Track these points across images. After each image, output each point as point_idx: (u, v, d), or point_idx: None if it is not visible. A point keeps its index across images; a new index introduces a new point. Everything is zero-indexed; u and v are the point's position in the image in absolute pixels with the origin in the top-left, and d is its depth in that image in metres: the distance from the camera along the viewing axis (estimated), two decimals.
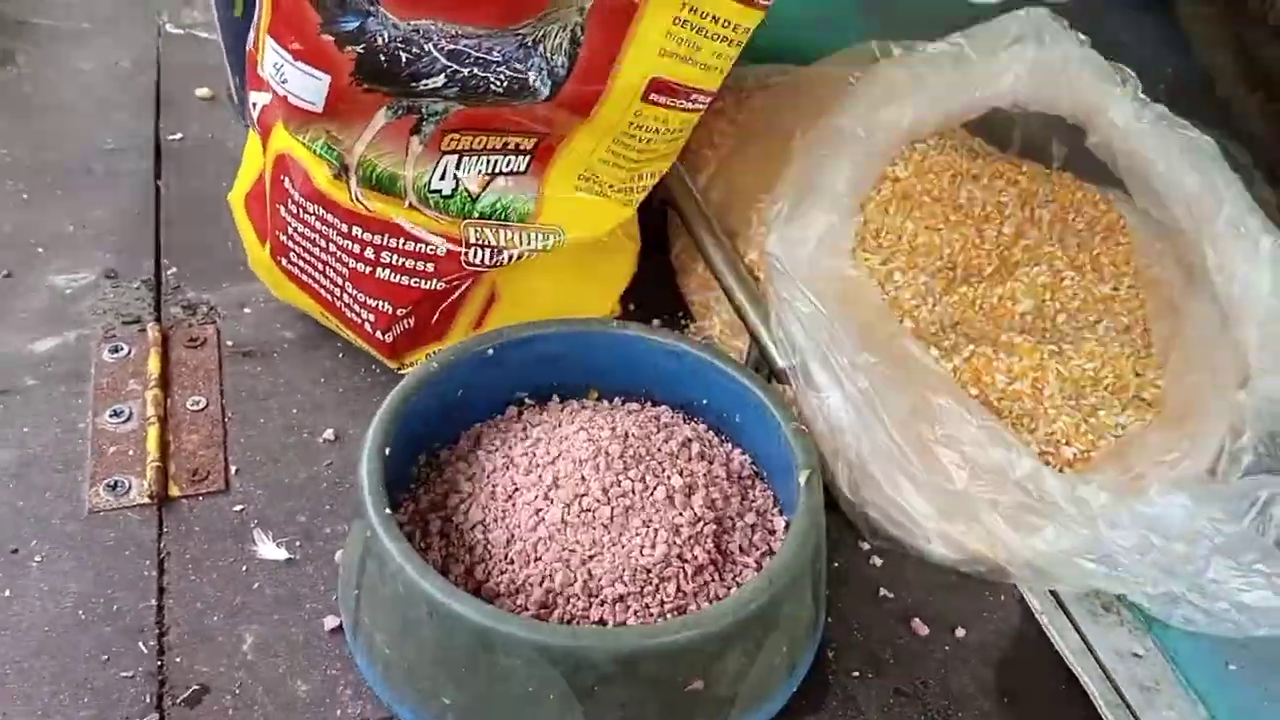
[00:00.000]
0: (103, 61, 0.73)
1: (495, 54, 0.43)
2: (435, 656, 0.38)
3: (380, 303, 0.50)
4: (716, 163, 0.62)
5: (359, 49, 0.43)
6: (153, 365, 0.53)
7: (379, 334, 0.51)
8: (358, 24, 0.43)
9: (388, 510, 0.39)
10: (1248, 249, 0.54)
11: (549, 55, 0.43)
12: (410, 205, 0.47)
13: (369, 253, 0.49)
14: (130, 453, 0.49)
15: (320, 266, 0.50)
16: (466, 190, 0.47)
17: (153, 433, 0.50)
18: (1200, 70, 0.83)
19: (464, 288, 0.51)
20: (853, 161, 0.54)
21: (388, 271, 0.49)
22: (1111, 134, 0.58)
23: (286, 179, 0.48)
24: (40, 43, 0.74)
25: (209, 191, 0.63)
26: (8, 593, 0.44)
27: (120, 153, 0.66)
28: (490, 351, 0.47)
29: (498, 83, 0.43)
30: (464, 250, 0.48)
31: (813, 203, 0.52)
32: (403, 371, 0.52)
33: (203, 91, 0.71)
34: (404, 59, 0.43)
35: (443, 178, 0.47)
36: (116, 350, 0.54)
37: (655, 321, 0.59)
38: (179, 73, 0.73)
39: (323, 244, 0.49)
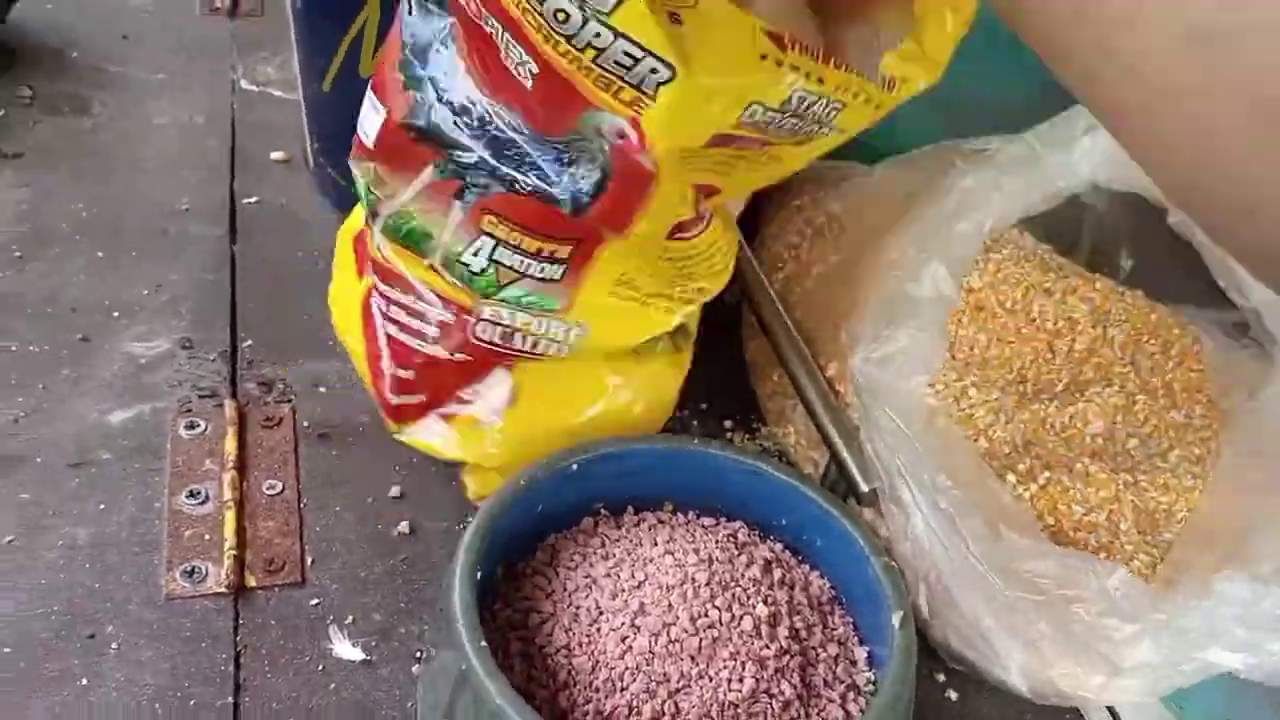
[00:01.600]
0: (177, 117, 0.74)
1: (531, 158, 0.43)
2: None
3: (390, 363, 0.50)
4: (794, 264, 0.62)
5: (417, 95, 0.44)
6: (229, 446, 0.53)
7: (389, 394, 0.50)
8: (428, 74, 0.43)
9: (484, 644, 0.39)
10: None
11: (579, 179, 0.43)
12: (431, 266, 0.47)
13: (382, 304, 0.49)
14: (207, 537, 0.49)
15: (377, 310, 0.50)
16: (496, 275, 0.46)
17: (230, 518, 0.50)
18: None
19: (477, 377, 0.50)
20: (933, 278, 0.54)
21: (394, 327, 0.49)
22: None
23: None
24: (116, 92, 0.75)
25: (283, 259, 0.64)
26: (84, 681, 0.44)
27: (194, 215, 0.66)
28: (575, 466, 0.47)
29: (524, 184, 0.43)
30: (473, 322, 0.47)
31: (897, 320, 0.52)
32: (399, 438, 0.52)
33: (277, 154, 0.71)
34: (451, 122, 0.43)
35: (476, 254, 0.46)
36: (192, 427, 0.54)
37: (726, 423, 0.59)
38: (254, 131, 0.73)
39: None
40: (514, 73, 0.40)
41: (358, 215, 0.53)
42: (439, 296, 0.48)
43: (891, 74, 0.40)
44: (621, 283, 0.47)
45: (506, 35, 0.39)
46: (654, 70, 0.38)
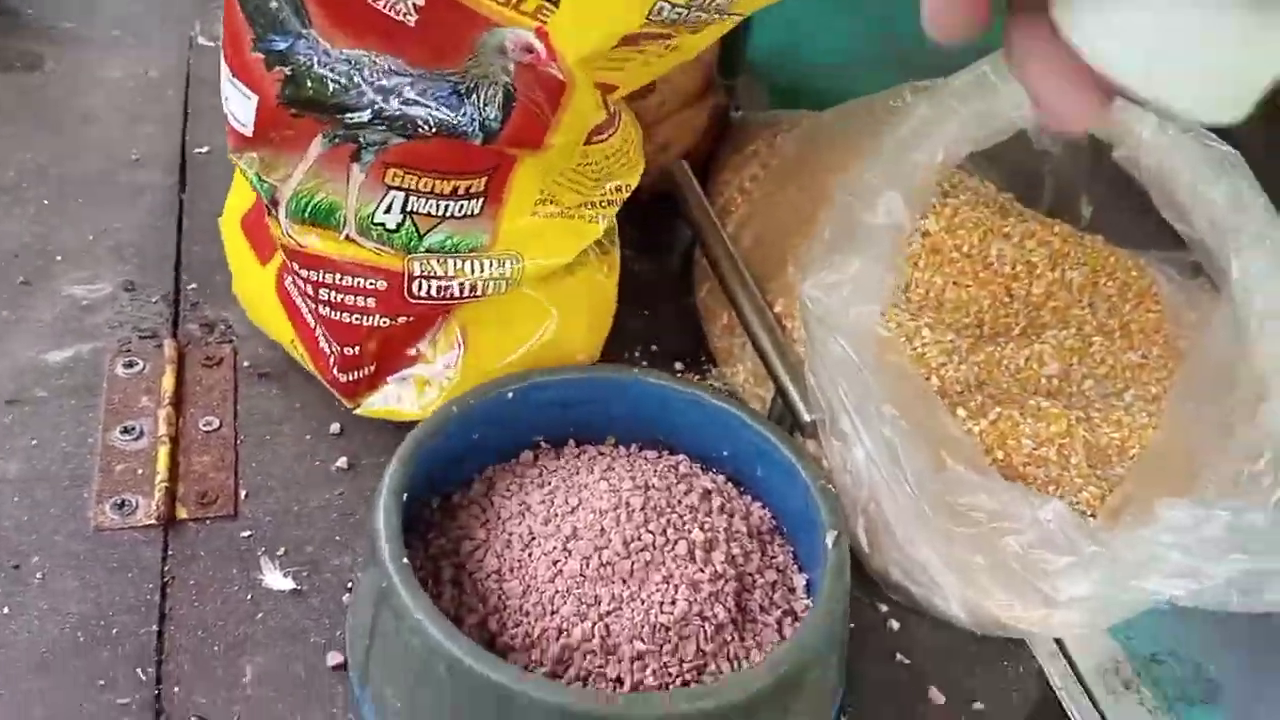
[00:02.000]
0: (131, 71, 0.73)
1: (427, 96, 0.41)
2: (452, 714, 0.37)
3: (331, 343, 0.49)
4: (747, 206, 0.61)
5: (287, 70, 0.42)
6: (167, 383, 0.52)
7: (337, 373, 0.49)
8: (287, 45, 0.41)
9: (405, 561, 0.38)
10: (1272, 259, 0.53)
11: (481, 106, 0.41)
12: (348, 237, 0.46)
13: (309, 289, 0.47)
14: (139, 471, 0.49)
15: (298, 294, 0.49)
16: (414, 226, 0.45)
17: (163, 453, 0.49)
18: None
19: (423, 333, 0.49)
20: (888, 207, 0.53)
21: (328, 309, 0.47)
22: (1137, 147, 0.57)
23: None
24: (69, 49, 0.74)
25: None
26: (6, 610, 0.43)
27: (145, 164, 0.66)
28: (510, 395, 0.46)
29: (425, 126, 0.42)
30: (408, 283, 0.46)
31: (851, 248, 0.51)
32: (359, 413, 0.51)
33: None
34: (331, 87, 0.41)
35: (388, 211, 0.45)
36: (131, 365, 0.53)
37: (677, 366, 0.59)
38: (209, 86, 0.71)
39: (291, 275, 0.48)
40: (390, 14, 0.39)
41: (236, 199, 0.52)
42: (365, 267, 0.46)
43: None
44: (542, 201, 0.46)
45: None
46: None
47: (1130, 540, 0.43)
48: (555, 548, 0.42)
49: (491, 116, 0.42)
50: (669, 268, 0.65)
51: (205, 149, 0.67)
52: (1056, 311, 0.60)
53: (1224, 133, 0.58)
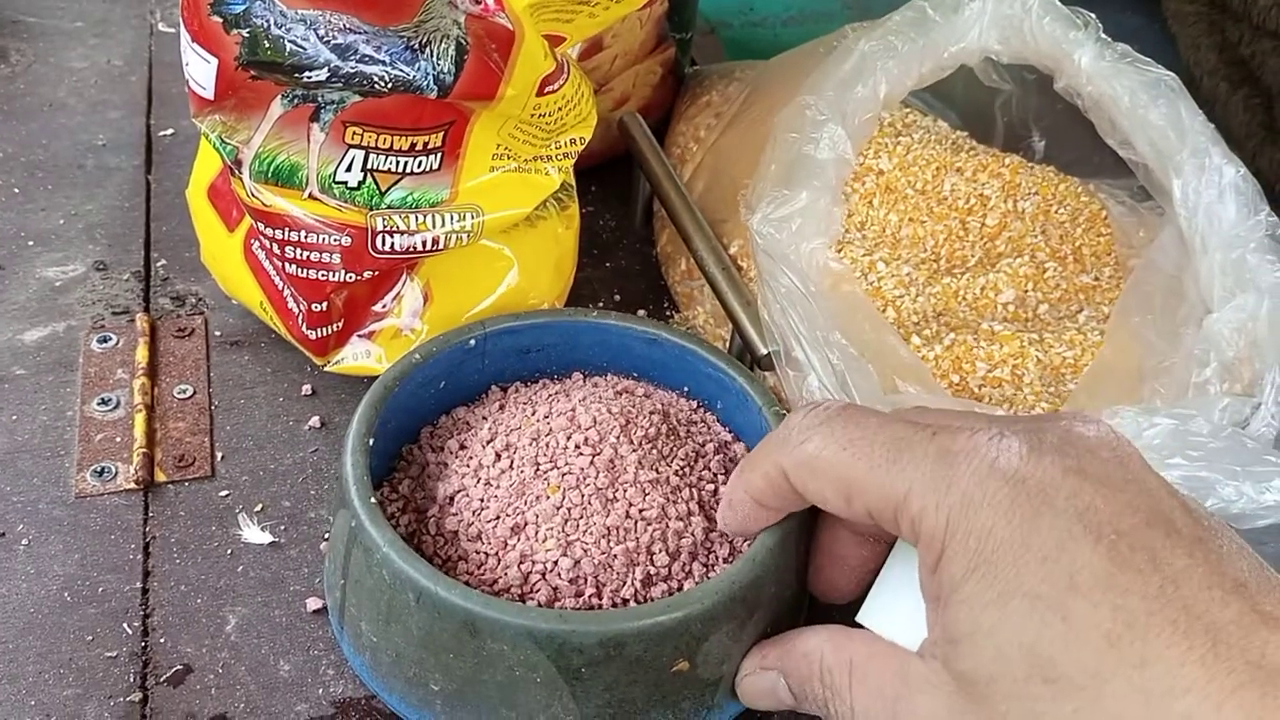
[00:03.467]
0: (95, 60, 0.74)
1: (382, 52, 0.43)
2: (422, 642, 0.38)
3: (298, 300, 0.50)
4: (701, 152, 0.63)
5: (244, 32, 0.43)
6: (140, 355, 0.53)
7: (306, 329, 0.51)
8: (245, 7, 0.42)
9: (372, 500, 0.40)
10: (1212, 178, 0.54)
11: (435, 60, 0.43)
12: (310, 196, 0.47)
13: (275, 248, 0.49)
14: (118, 440, 0.50)
15: (265, 255, 0.50)
16: (375, 183, 0.47)
17: (140, 420, 0.50)
18: (1185, 68, 0.83)
19: (387, 288, 0.50)
20: (831, 140, 0.54)
21: (294, 267, 0.49)
22: (1077, 76, 0.58)
23: None
24: (32, 41, 0.75)
25: None
26: None
27: (112, 149, 0.67)
28: (473, 342, 0.47)
29: (382, 81, 0.43)
30: (371, 239, 0.48)
31: (796, 182, 0.52)
32: (330, 369, 0.52)
33: None
34: (288, 47, 0.43)
35: (349, 169, 0.46)
36: (105, 340, 0.54)
37: (640, 313, 0.60)
38: (171, 70, 0.73)
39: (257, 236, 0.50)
40: None
41: (202, 171, 0.53)
42: (328, 224, 0.47)
43: None
44: (499, 155, 0.47)
45: None
46: None
47: None
48: (521, 476, 0.43)
49: (445, 70, 0.43)
50: (631, 221, 0.66)
51: (170, 131, 0.68)
52: (1011, 241, 0.61)
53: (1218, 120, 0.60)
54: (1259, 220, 0.51)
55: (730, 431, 0.48)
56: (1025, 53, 0.59)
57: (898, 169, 0.61)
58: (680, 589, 0.42)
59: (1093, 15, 0.58)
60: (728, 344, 0.54)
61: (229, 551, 0.46)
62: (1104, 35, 0.57)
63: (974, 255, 0.61)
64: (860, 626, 0.38)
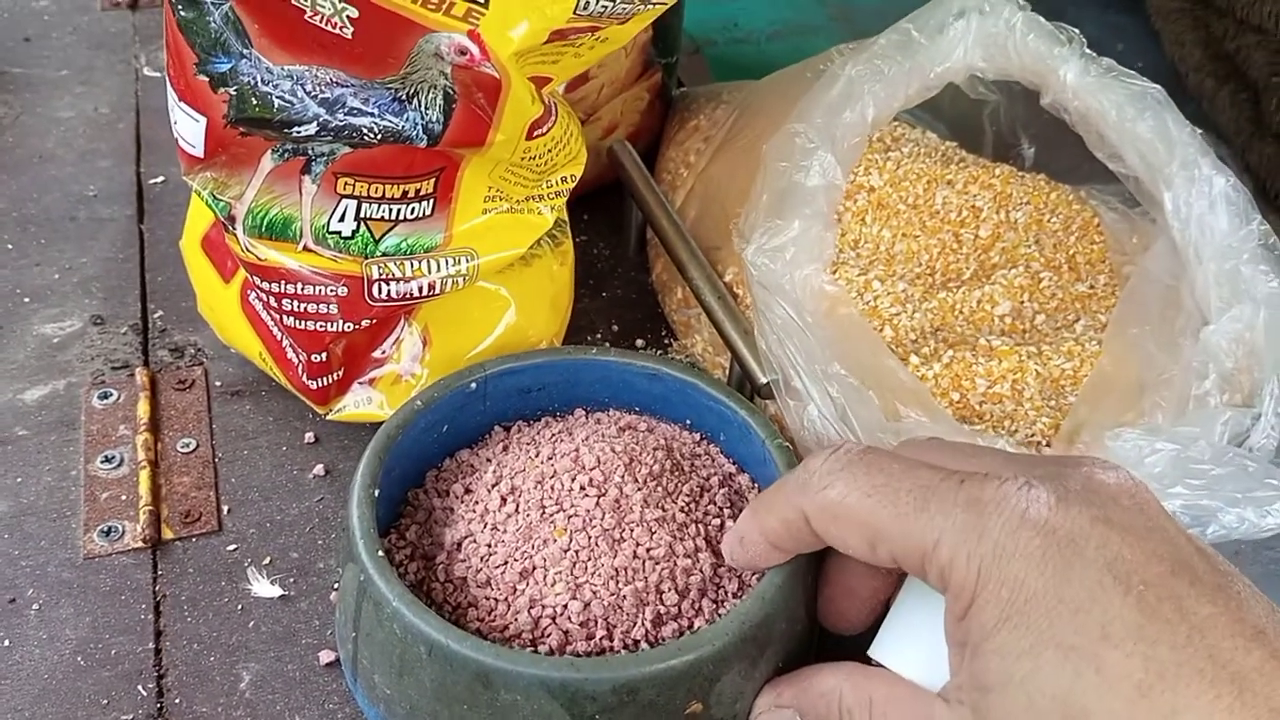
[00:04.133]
0: (82, 109, 0.74)
1: (370, 105, 0.43)
2: (436, 694, 0.38)
3: (297, 351, 0.50)
4: (692, 179, 0.63)
5: (232, 90, 0.43)
6: (142, 410, 0.53)
7: (306, 379, 0.51)
8: (230, 65, 0.42)
9: (380, 552, 0.40)
10: (1202, 189, 0.54)
11: (423, 110, 0.43)
12: (305, 248, 0.47)
13: (272, 301, 0.49)
14: (123, 498, 0.50)
15: (262, 307, 0.51)
16: (369, 232, 0.47)
17: (144, 477, 0.50)
18: (1170, 64, 0.84)
19: (386, 335, 0.51)
20: (821, 167, 0.54)
21: (292, 319, 0.49)
22: (1063, 92, 0.59)
23: None
24: (19, 92, 0.75)
25: None
26: (7, 642, 0.45)
27: (103, 199, 0.67)
28: (474, 385, 0.47)
29: (371, 133, 0.43)
30: (368, 287, 0.48)
31: (788, 210, 0.52)
32: (332, 418, 0.52)
33: None
34: (276, 103, 0.43)
35: (342, 219, 0.46)
36: (106, 396, 0.54)
37: (639, 343, 0.60)
38: (158, 116, 0.73)
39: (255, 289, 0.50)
40: (327, 27, 0.40)
41: (194, 223, 0.54)
42: (324, 275, 0.48)
43: None
44: (491, 197, 0.47)
45: None
46: None
47: None
48: (527, 520, 0.43)
49: (434, 119, 0.43)
50: (625, 249, 0.66)
51: (160, 179, 0.68)
52: (1005, 252, 0.61)
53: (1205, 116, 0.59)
54: (1251, 230, 0.51)
55: (734, 463, 0.48)
56: (1010, 69, 0.59)
57: (888, 184, 0.61)
58: (691, 626, 0.42)
59: (1076, 31, 0.58)
60: (727, 372, 0.54)
61: (239, 607, 0.46)
62: (1088, 50, 0.57)
63: (968, 268, 0.61)
64: (872, 660, 0.39)
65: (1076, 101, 0.57)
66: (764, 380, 0.49)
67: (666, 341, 0.60)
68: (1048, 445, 0.51)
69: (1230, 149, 0.76)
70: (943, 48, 0.57)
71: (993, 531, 0.32)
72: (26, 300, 0.60)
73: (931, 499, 0.33)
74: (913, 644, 0.37)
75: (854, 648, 0.45)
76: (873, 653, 0.38)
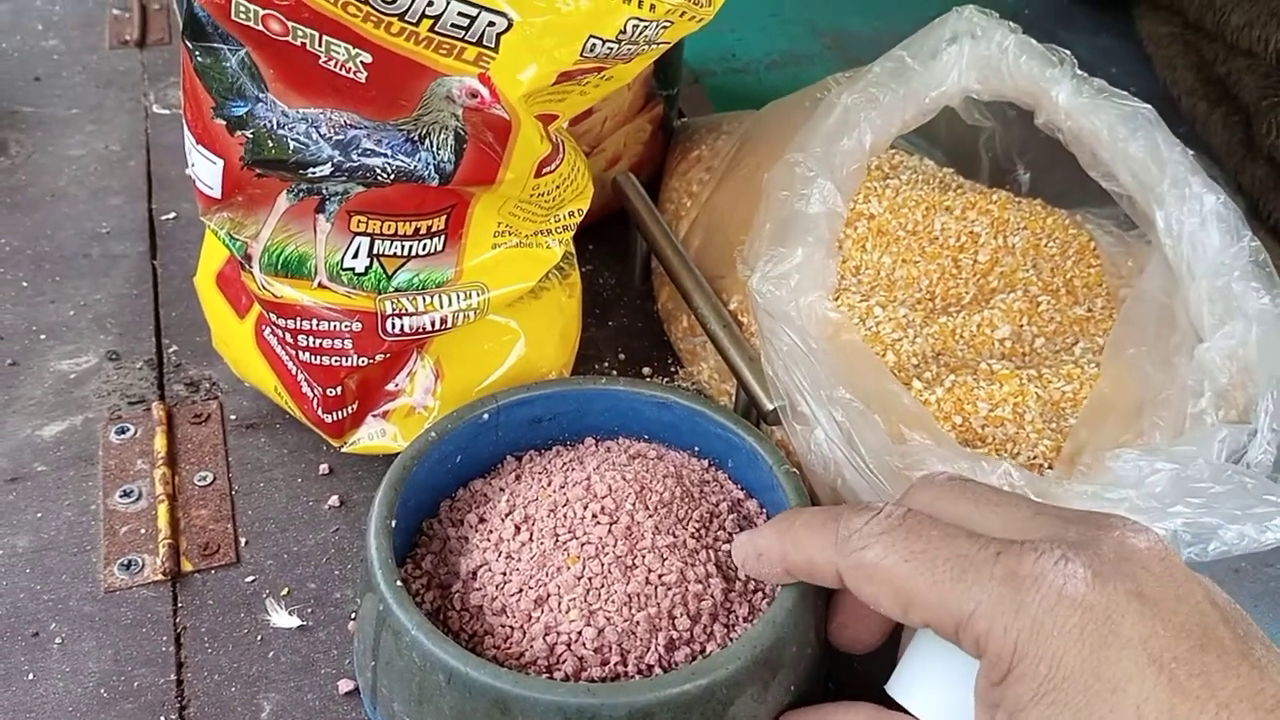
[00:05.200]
0: (93, 147, 0.75)
1: (383, 146, 0.44)
2: None
3: (313, 385, 0.51)
4: (695, 209, 0.64)
5: (248, 133, 0.44)
6: (159, 444, 0.54)
7: (321, 413, 0.51)
8: (246, 109, 0.44)
9: (398, 582, 0.41)
10: (1193, 207, 0.56)
11: (435, 151, 0.44)
12: (320, 284, 0.48)
13: (288, 338, 0.50)
14: (142, 531, 0.51)
15: (278, 343, 0.52)
16: (382, 268, 0.48)
17: (163, 510, 0.51)
18: (1163, 88, 0.85)
19: (399, 368, 0.52)
20: (822, 194, 0.55)
21: (308, 354, 0.50)
22: (1056, 112, 0.60)
23: None
24: (30, 131, 0.76)
25: None
26: (31, 675, 0.45)
27: (116, 236, 0.68)
28: (486, 416, 0.48)
29: (384, 173, 0.44)
30: (381, 322, 0.49)
31: (791, 239, 0.54)
32: (346, 450, 0.53)
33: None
34: (292, 145, 0.44)
35: (356, 256, 0.47)
36: (123, 431, 0.55)
37: (646, 370, 0.61)
38: (169, 152, 0.75)
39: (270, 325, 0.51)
40: (341, 71, 0.41)
41: (209, 259, 0.55)
42: (339, 312, 0.49)
43: None
44: (501, 232, 0.48)
45: (325, 38, 0.40)
46: (491, 23, 0.40)
47: (1078, 496, 0.46)
48: (541, 548, 0.44)
49: (445, 159, 0.44)
50: (630, 278, 0.67)
51: (172, 215, 0.70)
52: (1003, 276, 0.62)
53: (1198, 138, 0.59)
54: (1242, 247, 0.52)
55: (742, 489, 0.49)
56: (1004, 91, 0.60)
57: (888, 211, 0.62)
58: (703, 651, 0.42)
59: (1068, 52, 0.59)
60: (733, 398, 0.55)
61: (259, 638, 0.47)
62: (1080, 71, 0.59)
63: (968, 292, 0.62)
64: (888, 695, 0.39)
65: (1069, 122, 0.58)
66: (770, 406, 0.50)
67: (673, 369, 0.61)
68: (1050, 467, 0.52)
69: (1223, 171, 0.77)
70: (937, 72, 0.58)
71: (1030, 607, 0.33)
72: (43, 337, 0.61)
73: (969, 570, 0.34)
74: (935, 689, 0.38)
75: (864, 671, 0.46)
76: (891, 690, 0.39)
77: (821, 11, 0.91)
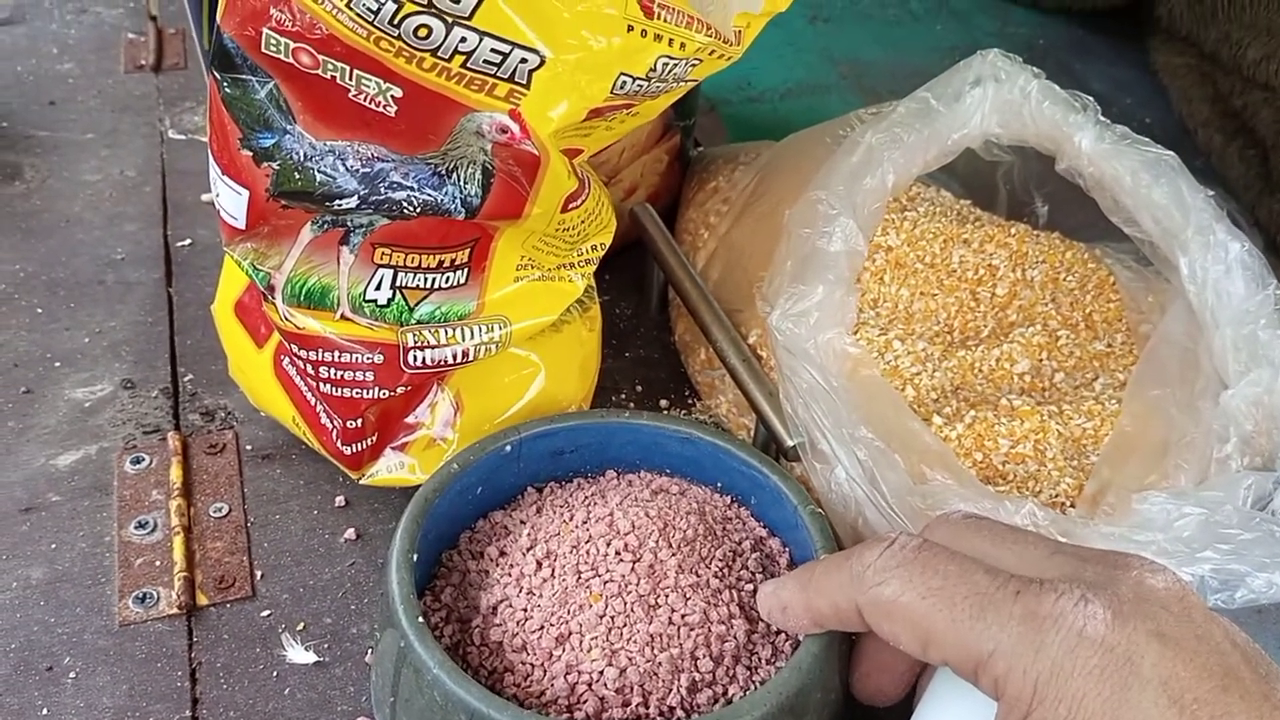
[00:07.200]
0: (108, 172, 0.75)
1: (410, 179, 0.44)
2: None
3: (332, 417, 0.51)
4: (714, 241, 0.64)
5: (275, 165, 0.44)
6: (175, 475, 0.54)
7: (341, 445, 0.51)
8: (274, 141, 0.43)
9: (420, 619, 0.40)
10: (1218, 255, 0.55)
11: (462, 184, 0.44)
12: (343, 316, 0.48)
13: (309, 369, 0.49)
14: (157, 564, 0.50)
15: (297, 374, 0.51)
16: (404, 300, 0.48)
17: (178, 543, 0.51)
18: (1178, 120, 0.85)
19: (419, 400, 0.51)
20: (844, 233, 0.55)
21: (329, 386, 0.49)
22: (1078, 158, 0.60)
23: None
24: (45, 156, 0.76)
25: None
26: (45, 710, 0.45)
27: (131, 262, 0.68)
28: (508, 448, 0.48)
29: (410, 206, 0.44)
30: (403, 355, 0.49)
31: (812, 276, 0.53)
32: (364, 482, 0.53)
33: (208, 197, 0.72)
34: (318, 178, 0.44)
35: (379, 288, 0.47)
36: (138, 461, 0.55)
37: (663, 403, 0.61)
38: (184, 178, 0.75)
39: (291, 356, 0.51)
40: (370, 105, 0.41)
41: (227, 287, 0.55)
42: (361, 344, 0.48)
43: (739, 26, 0.41)
44: (524, 265, 0.48)
45: (356, 71, 0.40)
46: (524, 60, 0.40)
47: (1105, 538, 0.45)
48: (563, 585, 0.44)
49: (472, 193, 0.44)
50: (648, 308, 0.67)
51: (188, 241, 0.69)
52: (1022, 310, 0.62)
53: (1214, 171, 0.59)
54: (1268, 295, 0.52)
55: (765, 527, 0.49)
56: (1026, 135, 0.60)
57: (906, 244, 0.62)
58: (725, 693, 0.42)
59: (1091, 99, 0.59)
60: (752, 433, 0.55)
61: (275, 674, 0.47)
62: (1103, 118, 0.59)
63: (986, 326, 0.62)
64: None
65: (1091, 168, 0.58)
66: (791, 443, 0.50)
67: (690, 401, 0.61)
68: (1072, 506, 0.51)
69: (1239, 204, 0.77)
70: (960, 115, 0.58)
71: (1050, 648, 0.33)
72: (57, 364, 0.61)
73: (988, 608, 0.34)
74: None
75: (886, 717, 0.46)
76: None
77: (837, 41, 0.91)
